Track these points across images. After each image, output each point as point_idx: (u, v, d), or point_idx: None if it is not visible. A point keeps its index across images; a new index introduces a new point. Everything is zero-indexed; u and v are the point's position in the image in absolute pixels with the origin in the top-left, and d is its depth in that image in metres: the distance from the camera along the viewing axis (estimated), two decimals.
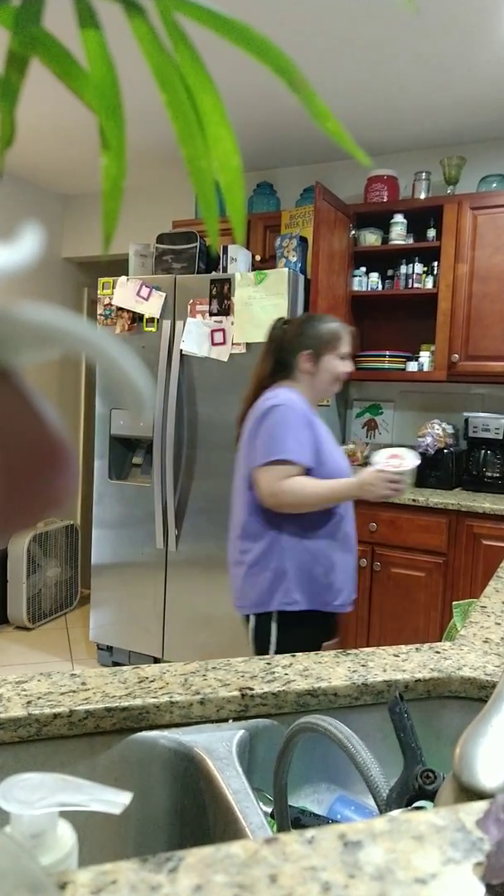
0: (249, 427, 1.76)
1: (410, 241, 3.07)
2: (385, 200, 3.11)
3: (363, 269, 3.15)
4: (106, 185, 0.28)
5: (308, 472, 1.70)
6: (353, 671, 0.93)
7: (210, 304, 2.82)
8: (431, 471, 2.93)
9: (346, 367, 1.79)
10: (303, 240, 2.95)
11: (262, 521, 1.74)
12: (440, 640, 1.17)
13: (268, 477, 1.68)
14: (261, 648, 1.75)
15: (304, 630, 1.75)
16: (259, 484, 1.70)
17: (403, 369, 3.07)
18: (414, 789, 0.62)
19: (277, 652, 1.72)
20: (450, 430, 3.05)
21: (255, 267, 3.04)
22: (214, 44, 0.29)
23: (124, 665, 1.10)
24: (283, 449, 1.67)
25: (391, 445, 2.79)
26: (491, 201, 2.84)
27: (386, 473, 1.66)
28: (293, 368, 1.78)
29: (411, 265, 3.04)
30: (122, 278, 3.02)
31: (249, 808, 0.68)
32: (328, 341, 1.76)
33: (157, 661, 3.04)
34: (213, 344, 2.82)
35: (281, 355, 1.79)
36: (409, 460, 1.69)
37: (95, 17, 0.27)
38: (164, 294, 2.92)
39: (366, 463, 2.64)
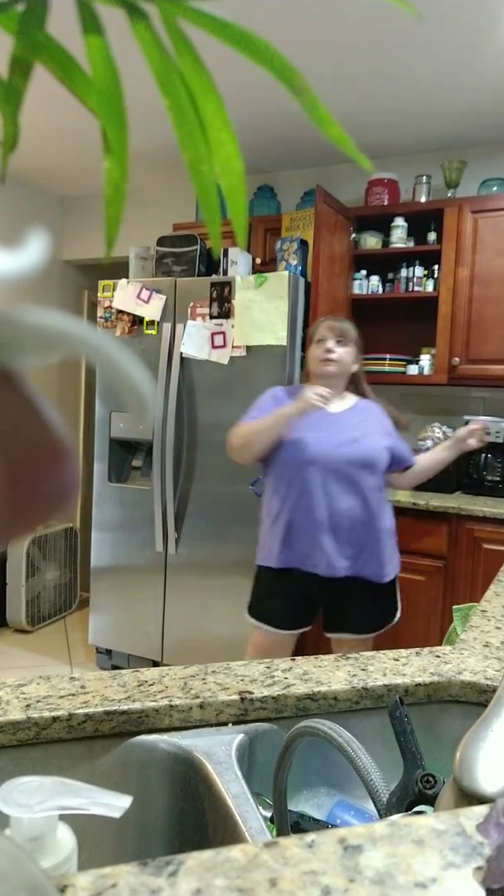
0: None
1: (411, 244, 3.07)
2: (386, 204, 3.11)
3: (364, 272, 3.15)
4: (108, 190, 0.28)
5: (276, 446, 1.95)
6: (353, 675, 0.93)
7: (210, 307, 2.82)
8: None
9: (321, 347, 1.97)
10: (303, 243, 2.96)
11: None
12: (440, 644, 1.17)
13: None
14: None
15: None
16: None
17: (404, 373, 3.07)
18: (414, 794, 0.62)
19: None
20: (450, 433, 3.05)
21: (256, 270, 3.04)
22: (216, 48, 0.29)
23: (123, 668, 1.10)
24: (245, 416, 2.00)
25: None
26: (491, 205, 2.84)
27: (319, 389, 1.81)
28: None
29: (412, 268, 3.04)
30: (123, 281, 3.02)
31: (249, 813, 0.68)
32: (309, 338, 2.03)
33: (156, 664, 3.04)
34: (214, 347, 2.82)
35: None
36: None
37: (98, 22, 0.27)
38: (164, 297, 2.92)
39: None
